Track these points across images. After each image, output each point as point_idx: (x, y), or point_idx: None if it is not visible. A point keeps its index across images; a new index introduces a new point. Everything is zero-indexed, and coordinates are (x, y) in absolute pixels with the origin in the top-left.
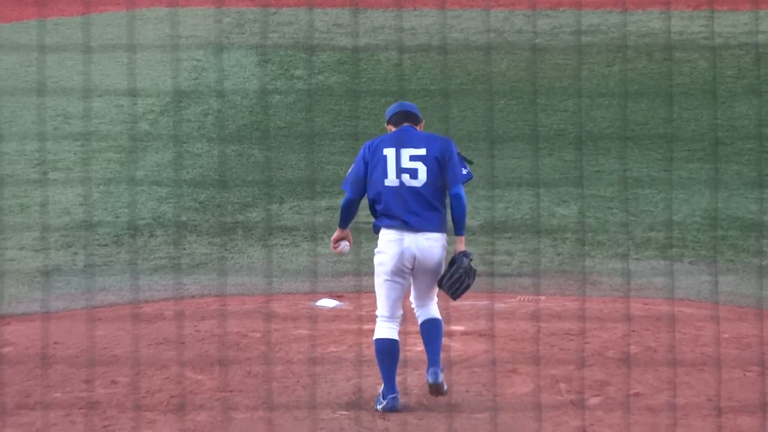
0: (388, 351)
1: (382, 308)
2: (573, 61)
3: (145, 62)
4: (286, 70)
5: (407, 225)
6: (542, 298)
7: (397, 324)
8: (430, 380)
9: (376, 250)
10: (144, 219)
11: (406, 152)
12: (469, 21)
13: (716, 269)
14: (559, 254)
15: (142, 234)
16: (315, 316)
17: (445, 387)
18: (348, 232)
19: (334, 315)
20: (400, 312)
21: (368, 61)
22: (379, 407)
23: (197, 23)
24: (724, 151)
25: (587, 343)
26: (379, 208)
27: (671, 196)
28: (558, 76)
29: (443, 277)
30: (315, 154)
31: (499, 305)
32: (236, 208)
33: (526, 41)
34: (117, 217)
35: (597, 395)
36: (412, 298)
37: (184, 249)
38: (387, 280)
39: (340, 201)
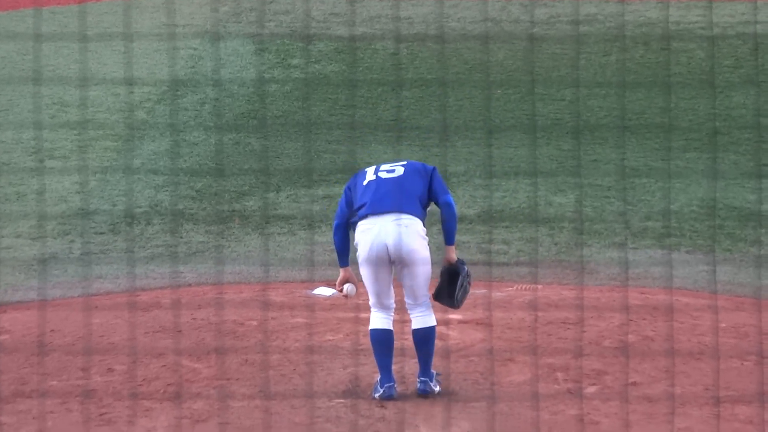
0: (382, 341)
1: (371, 298)
2: (570, 51)
3: (141, 51)
4: (283, 59)
5: (379, 207)
6: (539, 287)
7: (391, 313)
8: (419, 389)
9: (354, 243)
10: (141, 207)
11: (386, 166)
12: (466, 10)
13: (714, 259)
14: (556, 243)
15: (139, 222)
16: (312, 305)
17: (437, 391)
18: (350, 272)
19: (331, 303)
20: (391, 301)
21: (365, 50)
22: (376, 395)
23: (194, 12)
24: (721, 141)
25: (584, 332)
26: (356, 205)
27: (669, 186)
28: (555, 66)
29: (455, 291)
30: (312, 143)
31: (497, 294)
32: (233, 196)
33: (524, 31)
34: (114, 206)
35: (594, 384)
36: (404, 297)
37: (181, 237)
38: (368, 271)
39: (336, 189)
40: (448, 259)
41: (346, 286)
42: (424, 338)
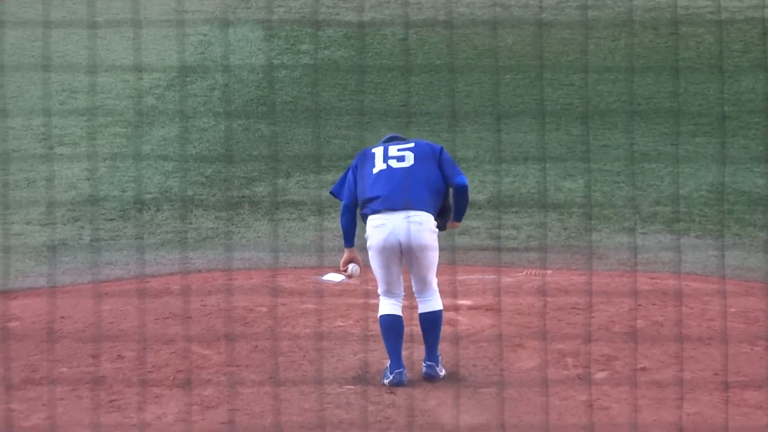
0: (392, 327)
1: (380, 286)
2: (579, 36)
3: (151, 37)
4: (292, 44)
5: (392, 202)
6: (549, 272)
7: (400, 300)
8: (425, 373)
9: (365, 235)
10: (150, 193)
11: (394, 147)
12: None
13: (723, 243)
14: (565, 228)
15: (149, 208)
16: (321, 291)
17: (441, 375)
18: (355, 252)
19: (341, 289)
20: (401, 288)
21: (374, 35)
22: (386, 381)
23: None
24: (730, 126)
25: (594, 317)
26: (366, 196)
27: (678, 171)
28: (564, 51)
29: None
30: (321, 129)
31: (506, 279)
32: (243, 182)
33: (532, 15)
34: (123, 192)
35: (604, 370)
36: (412, 284)
37: (191, 223)
38: (379, 263)
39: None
40: (450, 225)
41: (351, 266)
42: (430, 322)
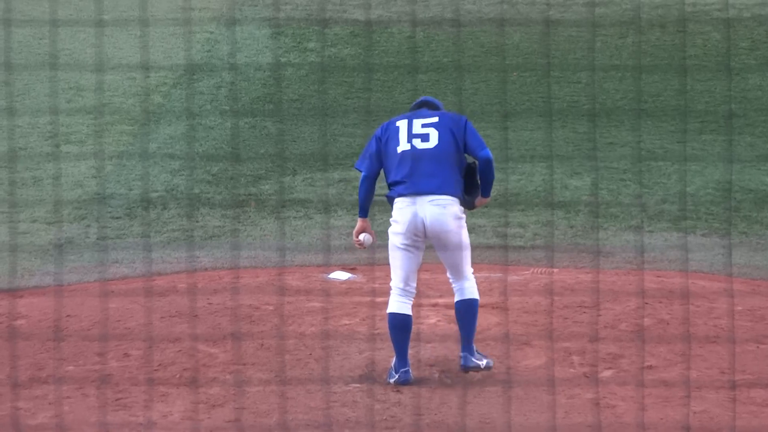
0: (400, 325)
1: (396, 279)
2: (586, 34)
3: (157, 35)
4: (299, 42)
5: (417, 188)
6: (555, 270)
7: (411, 298)
8: (461, 365)
9: (390, 220)
10: (157, 192)
11: (419, 121)
12: None
13: (730, 241)
14: (572, 227)
15: (155, 207)
16: (328, 289)
17: (482, 366)
18: (368, 222)
19: (347, 288)
20: (414, 284)
21: (381, 33)
22: (391, 381)
23: None
24: (737, 123)
25: (600, 315)
26: (391, 178)
27: (685, 169)
28: (571, 49)
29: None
30: (328, 127)
31: (513, 278)
32: (249, 180)
33: (539, 13)
34: (130, 190)
35: (610, 368)
36: (447, 273)
37: (197, 222)
38: (400, 249)
39: (353, 174)
40: (478, 203)
41: (363, 236)
42: (466, 310)
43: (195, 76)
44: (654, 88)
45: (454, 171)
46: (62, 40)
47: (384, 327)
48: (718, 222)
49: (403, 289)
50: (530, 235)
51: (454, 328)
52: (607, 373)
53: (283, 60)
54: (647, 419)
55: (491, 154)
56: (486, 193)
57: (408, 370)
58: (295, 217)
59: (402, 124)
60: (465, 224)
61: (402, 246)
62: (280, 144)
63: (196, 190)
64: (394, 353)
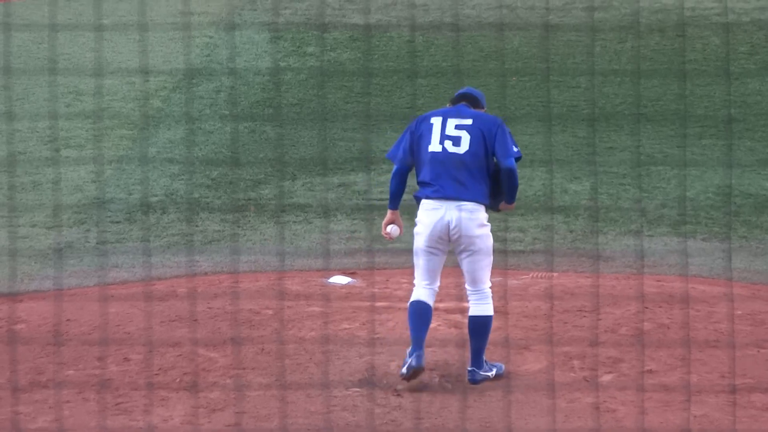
0: (420, 313)
1: (418, 278)
2: (585, 38)
3: (157, 39)
4: (299, 47)
5: (445, 192)
6: (555, 274)
7: (434, 292)
8: (469, 379)
9: (416, 220)
10: (156, 196)
11: (453, 121)
12: None
13: (729, 246)
14: (571, 231)
15: (155, 211)
16: (327, 294)
17: (491, 376)
18: (398, 214)
19: (347, 292)
20: (437, 284)
21: (380, 38)
22: (404, 370)
23: (209, 0)
24: (737, 128)
25: (600, 320)
26: (420, 177)
27: (684, 173)
28: (570, 53)
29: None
30: (327, 131)
31: (512, 282)
32: (249, 185)
33: (539, 18)
34: (129, 194)
35: (610, 372)
36: (466, 283)
37: (197, 226)
38: (423, 250)
39: (352, 177)
40: (502, 207)
41: (391, 227)
42: (479, 326)
43: (194, 81)
44: (653, 93)
45: (483, 176)
46: (61, 45)
47: (384, 331)
48: (718, 226)
49: (427, 286)
50: (530, 239)
51: (455, 332)
52: (607, 378)
53: (282, 64)
54: (647, 423)
55: (515, 164)
56: (509, 199)
57: (422, 354)
58: (294, 222)
59: (436, 122)
60: (490, 233)
61: (425, 248)
62: (279, 148)
63: (196, 195)
64: (394, 357)
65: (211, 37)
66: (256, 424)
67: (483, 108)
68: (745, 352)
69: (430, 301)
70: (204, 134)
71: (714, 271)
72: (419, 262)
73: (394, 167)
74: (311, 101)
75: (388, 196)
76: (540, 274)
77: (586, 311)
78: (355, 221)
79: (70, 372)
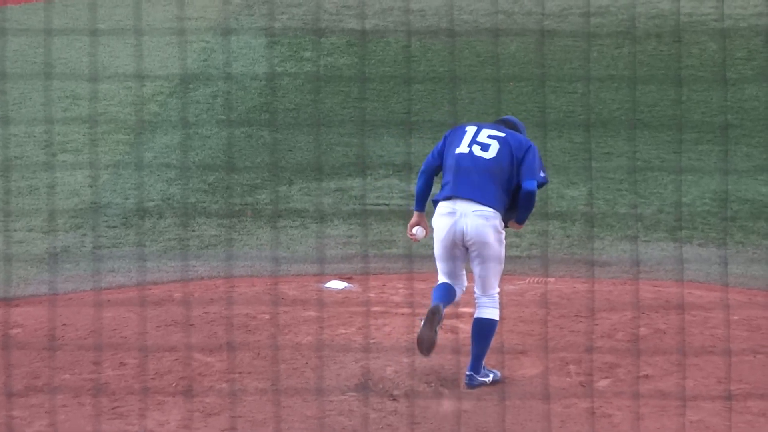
0: (444, 288)
1: (441, 278)
2: (582, 44)
3: (153, 44)
4: (295, 52)
5: (462, 192)
6: (551, 280)
7: (460, 289)
8: (466, 383)
9: (432, 222)
10: (153, 201)
11: (486, 131)
12: (477, 3)
13: (726, 251)
14: (568, 236)
15: (151, 216)
16: (323, 298)
17: (488, 382)
18: (424, 216)
19: (343, 297)
20: (463, 284)
21: (377, 43)
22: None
23: (205, 5)
24: (734, 134)
25: (596, 325)
26: (443, 179)
27: (681, 179)
28: (567, 59)
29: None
30: (323, 136)
31: (509, 287)
32: (245, 189)
33: (535, 23)
34: (126, 199)
35: (606, 377)
36: (474, 287)
37: (193, 231)
38: (441, 255)
39: (348, 182)
40: (510, 224)
41: (416, 229)
42: (482, 328)
43: (191, 86)
44: (650, 99)
45: (503, 188)
46: (58, 49)
47: (380, 336)
48: (715, 232)
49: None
50: (526, 244)
51: (451, 336)
52: (603, 383)
53: (278, 69)
54: (643, 429)
55: (535, 187)
56: (520, 219)
57: (441, 304)
58: (290, 227)
59: (470, 130)
60: (504, 240)
61: (442, 254)
62: (275, 153)
63: (192, 200)
64: (389, 363)
65: (207, 42)
66: (251, 428)
67: (519, 132)
68: (741, 357)
69: (453, 286)
70: (200, 139)
71: (710, 276)
72: (440, 266)
73: (421, 169)
74: (308, 106)
75: (387, 201)
76: (536, 280)
77: (582, 316)
78: (351, 226)
79: (66, 376)
